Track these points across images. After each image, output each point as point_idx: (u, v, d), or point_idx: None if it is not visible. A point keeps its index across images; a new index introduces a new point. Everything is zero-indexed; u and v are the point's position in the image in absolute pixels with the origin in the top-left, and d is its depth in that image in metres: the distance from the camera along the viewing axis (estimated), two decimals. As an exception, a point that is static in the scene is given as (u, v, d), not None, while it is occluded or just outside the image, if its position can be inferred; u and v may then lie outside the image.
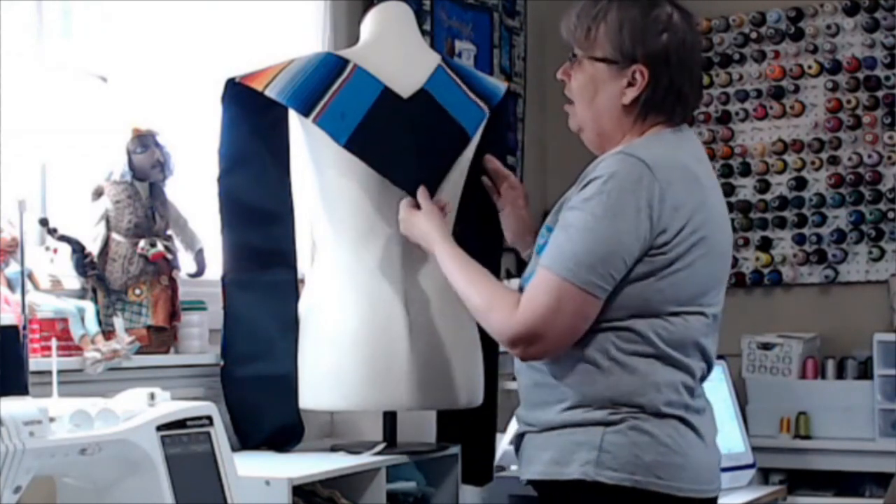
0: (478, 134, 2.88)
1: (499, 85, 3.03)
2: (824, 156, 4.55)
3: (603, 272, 2.10)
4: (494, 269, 3.12)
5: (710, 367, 2.29)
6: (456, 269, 2.37)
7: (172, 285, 2.79)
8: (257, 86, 2.73)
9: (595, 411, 2.17)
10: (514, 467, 3.58)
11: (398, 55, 2.84)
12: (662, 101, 2.24)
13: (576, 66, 2.28)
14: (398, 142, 2.72)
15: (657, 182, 2.12)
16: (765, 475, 4.28)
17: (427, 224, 2.53)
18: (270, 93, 2.71)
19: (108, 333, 2.62)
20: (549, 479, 2.22)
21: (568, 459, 2.18)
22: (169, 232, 2.82)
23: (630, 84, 2.22)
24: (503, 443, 3.37)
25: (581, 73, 2.27)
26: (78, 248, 2.64)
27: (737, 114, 4.69)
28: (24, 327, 2.33)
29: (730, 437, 4.02)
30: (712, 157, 4.67)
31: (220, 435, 2.16)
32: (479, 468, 3.14)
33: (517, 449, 2.36)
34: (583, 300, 2.11)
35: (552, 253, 2.15)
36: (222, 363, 2.86)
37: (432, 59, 2.90)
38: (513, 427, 3.31)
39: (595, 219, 2.11)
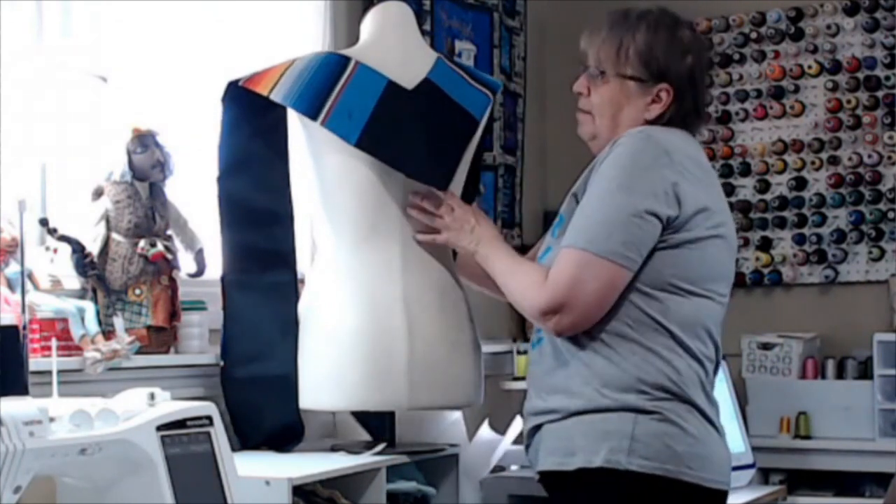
0: (484, 118, 2.89)
1: (496, 80, 3.06)
2: (824, 156, 4.55)
3: (623, 241, 2.18)
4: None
5: (717, 358, 2.35)
6: (502, 261, 2.43)
7: (172, 285, 2.79)
8: (262, 90, 2.71)
9: (625, 394, 2.21)
10: (514, 467, 3.58)
11: (398, 52, 2.83)
12: (684, 119, 2.36)
13: (601, 81, 2.37)
14: (409, 134, 2.71)
15: (673, 164, 2.23)
16: (765, 475, 4.27)
17: (484, 226, 2.55)
18: (276, 97, 2.70)
19: (108, 333, 2.62)
20: (573, 468, 2.23)
21: (596, 448, 2.21)
22: (169, 232, 2.81)
23: (654, 101, 2.34)
24: (503, 443, 3.37)
25: (607, 88, 2.37)
26: (78, 248, 2.63)
27: (737, 114, 4.68)
28: (24, 327, 2.33)
29: (730, 437, 3.97)
30: (712, 157, 4.67)
31: (220, 435, 2.16)
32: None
33: (528, 446, 2.35)
34: (606, 269, 2.19)
35: (573, 226, 2.24)
36: (222, 363, 2.86)
37: (432, 55, 2.91)
38: (515, 428, 3.30)
39: (611, 193, 2.21)
